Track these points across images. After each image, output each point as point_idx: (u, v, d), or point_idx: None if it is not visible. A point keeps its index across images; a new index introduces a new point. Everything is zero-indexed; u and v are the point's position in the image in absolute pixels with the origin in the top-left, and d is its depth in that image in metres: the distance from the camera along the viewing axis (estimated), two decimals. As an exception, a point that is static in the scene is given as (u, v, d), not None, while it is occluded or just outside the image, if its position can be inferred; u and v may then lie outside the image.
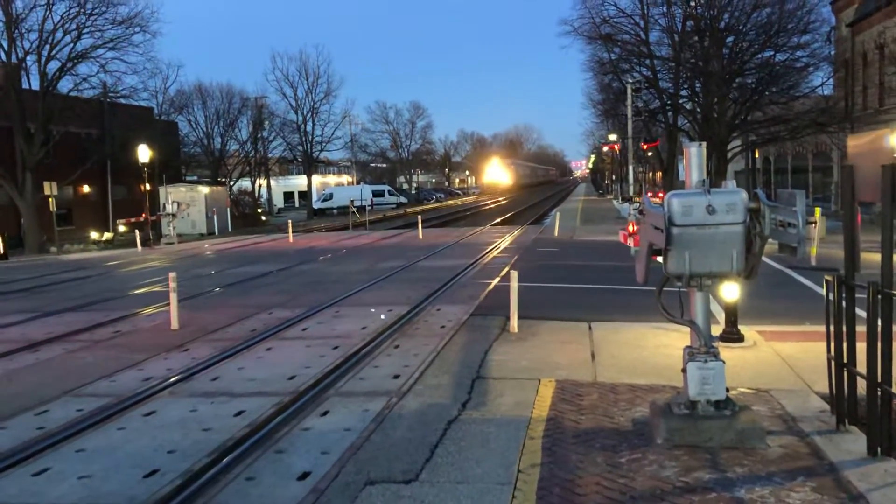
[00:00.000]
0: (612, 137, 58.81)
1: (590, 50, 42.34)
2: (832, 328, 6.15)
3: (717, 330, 8.93)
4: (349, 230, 41.23)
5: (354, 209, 46.46)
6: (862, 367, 5.70)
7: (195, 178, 60.41)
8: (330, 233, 40.16)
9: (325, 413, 7.26)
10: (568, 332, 10.52)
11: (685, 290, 6.25)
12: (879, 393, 5.49)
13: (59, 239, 34.73)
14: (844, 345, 5.98)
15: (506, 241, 27.50)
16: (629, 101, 41.74)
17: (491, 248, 24.93)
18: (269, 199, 72.96)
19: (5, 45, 34.85)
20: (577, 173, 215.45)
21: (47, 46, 35.47)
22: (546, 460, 5.78)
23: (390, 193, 79.45)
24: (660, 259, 6.09)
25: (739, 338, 9.40)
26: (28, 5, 35.34)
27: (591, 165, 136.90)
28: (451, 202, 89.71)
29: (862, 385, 5.77)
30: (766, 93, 35.26)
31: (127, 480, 5.73)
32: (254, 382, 8.46)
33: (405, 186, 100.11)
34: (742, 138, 37.98)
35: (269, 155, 69.26)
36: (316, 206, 69.39)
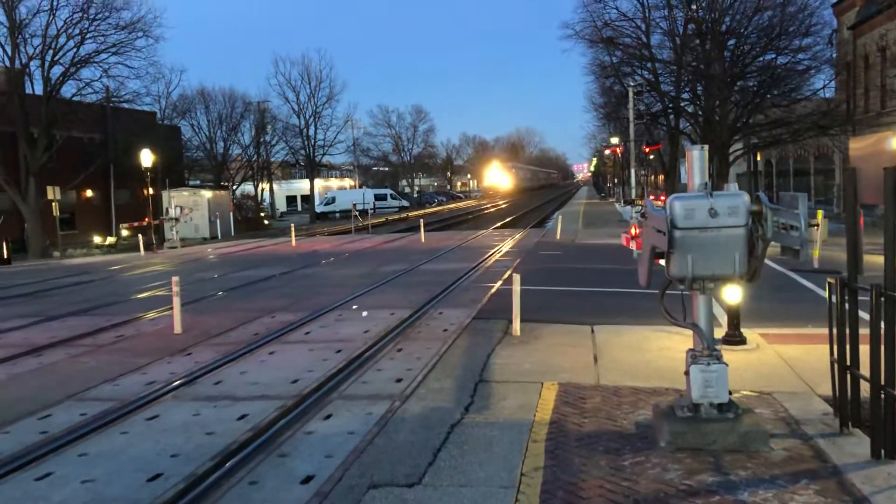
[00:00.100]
0: (614, 141, 58.80)
1: (591, 53, 42.47)
2: (835, 331, 6.14)
3: (719, 333, 8.92)
4: (352, 234, 41.27)
5: (357, 213, 46.50)
6: (865, 369, 5.69)
7: (198, 182, 60.48)
8: (332, 236, 40.19)
9: (329, 416, 7.27)
10: (570, 336, 10.51)
11: (688, 293, 6.25)
12: (883, 396, 5.48)
13: (62, 243, 34.80)
14: (847, 347, 5.97)
15: (508, 245, 27.51)
16: (631, 105, 41.75)
17: (493, 251, 24.93)
18: (272, 203, 73.01)
19: (9, 50, 35.06)
20: (579, 176, 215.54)
21: (51, 51, 35.69)
22: (549, 463, 5.78)
23: (392, 197, 79.49)
24: (662, 262, 6.09)
25: (742, 340, 9.39)
26: (32, 10, 35.57)
27: (592, 169, 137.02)
28: (452, 205, 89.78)
29: (865, 388, 5.76)
30: (768, 96, 35.27)
31: (130, 484, 5.73)
32: (257, 386, 8.47)
33: (407, 190, 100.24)
34: (744, 141, 37.98)
35: (272, 159, 69.40)
36: (318, 209, 69.47)
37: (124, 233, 41.24)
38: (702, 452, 5.84)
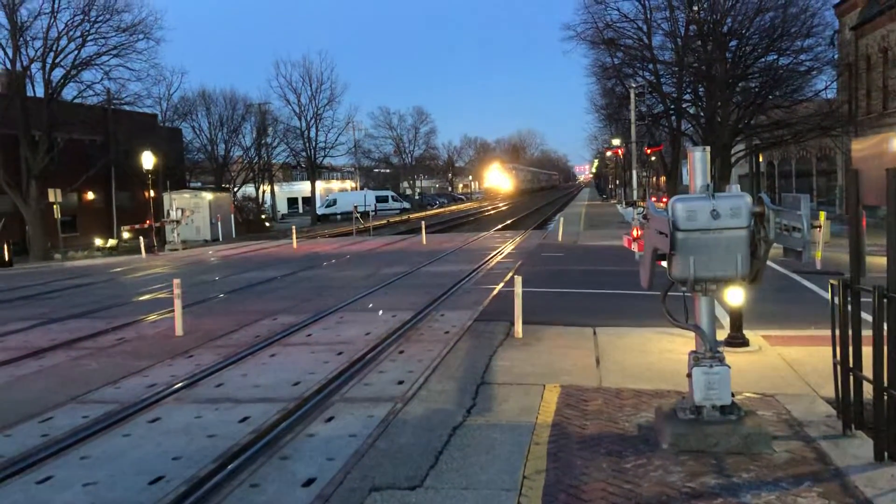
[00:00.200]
0: (616, 142, 58.73)
1: (593, 55, 42.46)
2: (838, 332, 6.12)
3: (722, 335, 8.91)
4: (353, 236, 41.27)
5: (358, 215, 46.50)
6: (868, 371, 5.68)
7: (199, 184, 60.54)
8: (334, 238, 40.20)
9: (330, 419, 7.26)
10: (572, 338, 10.50)
11: (690, 294, 6.24)
12: (886, 397, 5.46)
13: (63, 246, 34.82)
14: (850, 349, 5.96)
15: (509, 247, 27.50)
16: (632, 106, 41.74)
17: (495, 253, 24.92)
18: (273, 205, 73.04)
19: (10, 52, 35.07)
20: (581, 178, 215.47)
21: (52, 54, 35.67)
22: (551, 466, 5.77)
23: (394, 199, 79.49)
24: (664, 264, 6.08)
25: (744, 342, 9.37)
26: (33, 13, 35.58)
27: (594, 170, 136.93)
28: (454, 207, 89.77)
29: (868, 389, 5.74)
30: (770, 97, 35.29)
31: (132, 487, 5.73)
32: (258, 389, 8.46)
33: (408, 192, 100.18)
34: (746, 142, 37.98)
35: (273, 161, 69.47)
36: (320, 211, 69.49)
37: (125, 235, 41.27)
38: (704, 455, 5.82)
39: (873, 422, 5.70)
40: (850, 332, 5.96)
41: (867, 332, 5.67)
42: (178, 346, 11.11)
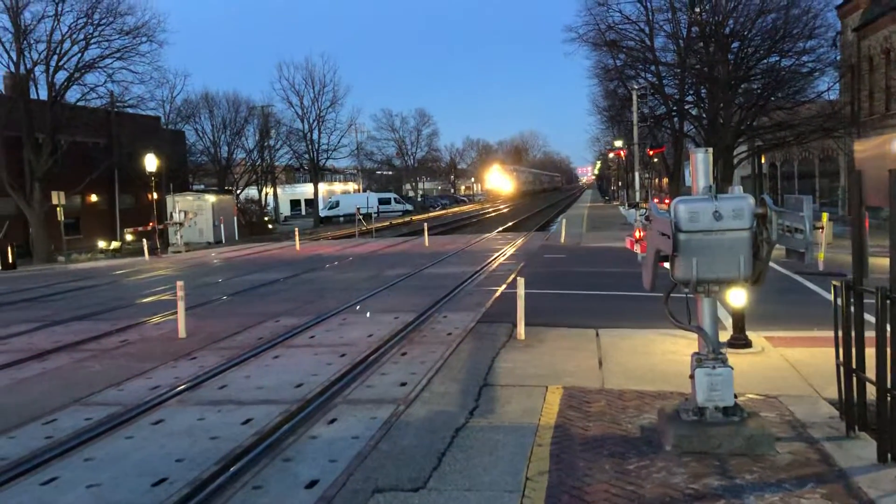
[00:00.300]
0: (618, 143, 58.76)
1: (595, 56, 42.32)
2: (841, 333, 6.12)
3: (724, 336, 8.90)
4: (356, 238, 41.28)
5: (361, 216, 46.51)
6: (871, 372, 5.67)
7: (202, 186, 60.68)
8: (336, 240, 40.24)
9: (333, 421, 7.26)
10: (575, 339, 10.50)
11: (692, 296, 6.24)
12: (889, 399, 5.46)
13: (66, 248, 34.85)
14: (853, 350, 5.95)
15: (512, 248, 27.50)
16: (635, 108, 41.73)
17: (497, 254, 24.92)
18: (276, 208, 73.16)
19: (14, 55, 35.16)
20: (583, 180, 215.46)
21: (55, 56, 35.75)
22: (554, 468, 5.77)
23: (396, 201, 79.54)
24: (667, 265, 6.08)
25: (747, 344, 9.37)
26: (36, 16, 35.62)
27: (596, 172, 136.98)
28: (456, 209, 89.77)
29: (871, 391, 5.74)
30: (772, 98, 35.23)
31: (135, 489, 5.74)
32: (261, 390, 8.47)
33: (411, 194, 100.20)
34: (748, 144, 37.91)
35: (276, 163, 69.58)
36: (322, 213, 69.57)
37: (129, 237, 41.35)
38: (707, 456, 5.82)
39: (876, 423, 5.70)
40: (852, 334, 5.95)
41: (870, 334, 5.66)
42: (182, 348, 11.13)
